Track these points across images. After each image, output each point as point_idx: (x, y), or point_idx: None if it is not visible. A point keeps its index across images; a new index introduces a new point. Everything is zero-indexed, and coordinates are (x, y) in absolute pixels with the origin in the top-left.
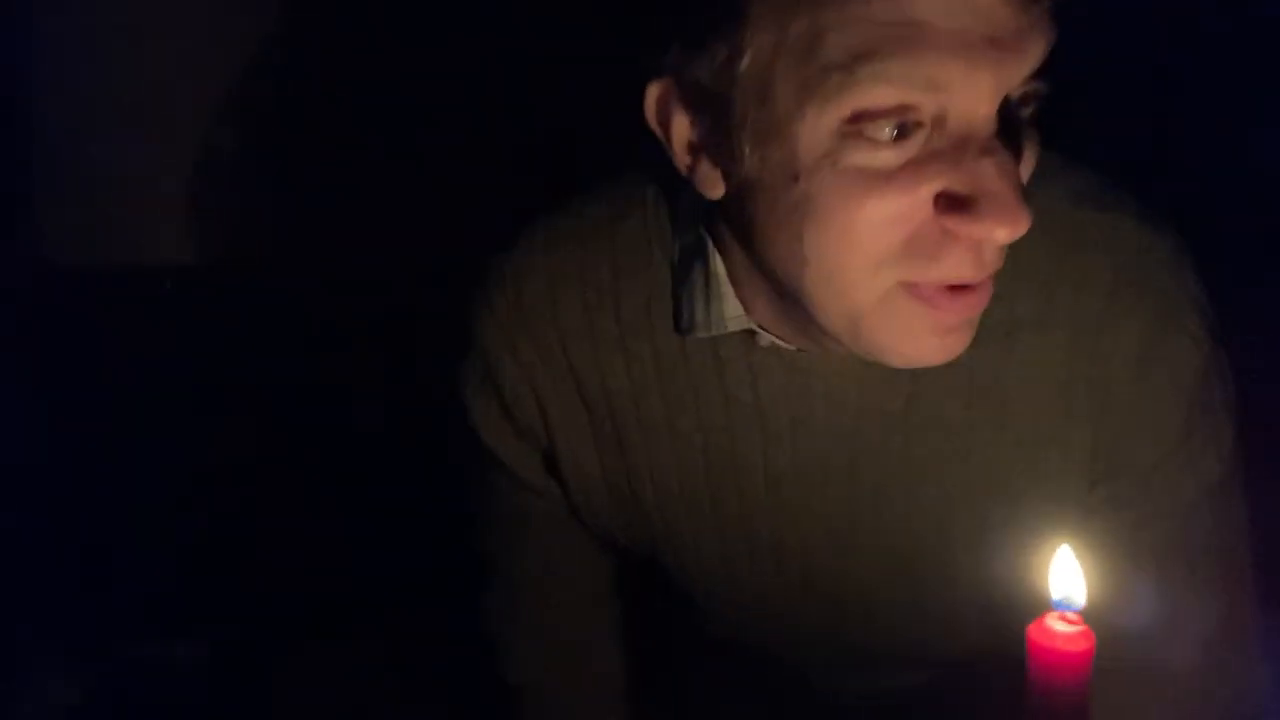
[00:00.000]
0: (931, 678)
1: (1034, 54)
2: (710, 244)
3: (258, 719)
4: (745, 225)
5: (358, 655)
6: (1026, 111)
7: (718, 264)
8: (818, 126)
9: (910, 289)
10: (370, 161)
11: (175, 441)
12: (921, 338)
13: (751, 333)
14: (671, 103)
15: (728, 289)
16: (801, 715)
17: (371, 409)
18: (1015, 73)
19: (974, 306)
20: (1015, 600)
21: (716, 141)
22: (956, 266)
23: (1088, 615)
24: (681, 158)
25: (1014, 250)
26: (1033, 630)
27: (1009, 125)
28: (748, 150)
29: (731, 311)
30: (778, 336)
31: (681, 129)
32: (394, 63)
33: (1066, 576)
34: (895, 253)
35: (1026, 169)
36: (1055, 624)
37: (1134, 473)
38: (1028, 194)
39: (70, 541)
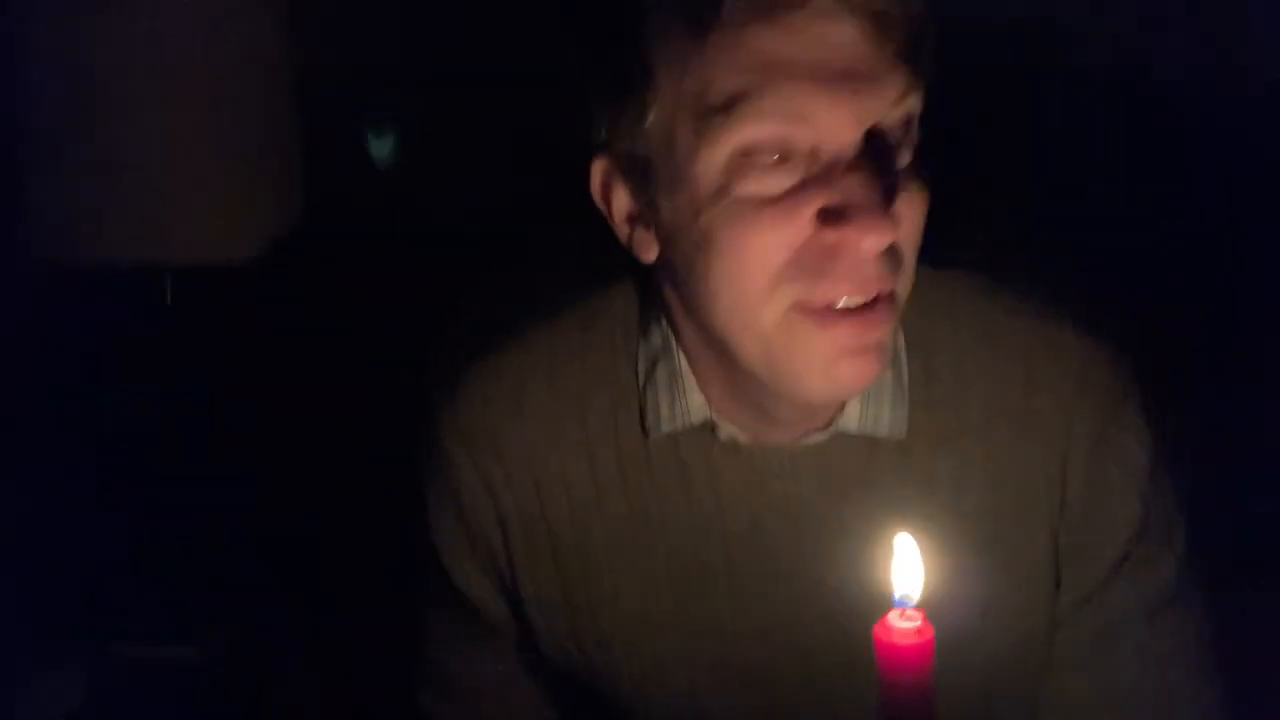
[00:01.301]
0: None
1: (892, 85)
2: (674, 342)
3: (257, 719)
4: (676, 280)
5: (357, 655)
6: (905, 140)
7: (682, 361)
8: (710, 164)
9: (804, 311)
10: (371, 161)
11: (175, 441)
12: (828, 364)
13: (713, 429)
14: (611, 179)
15: (691, 382)
16: None
17: (371, 408)
18: (874, 102)
19: (869, 326)
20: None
21: (644, 204)
22: (840, 281)
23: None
24: (621, 228)
25: (960, 357)
26: (878, 629)
27: (885, 151)
28: (662, 200)
29: (695, 403)
30: (737, 428)
31: (620, 201)
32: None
33: (905, 572)
34: (785, 272)
35: (910, 192)
36: (898, 621)
37: (1097, 573)
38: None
39: (70, 541)
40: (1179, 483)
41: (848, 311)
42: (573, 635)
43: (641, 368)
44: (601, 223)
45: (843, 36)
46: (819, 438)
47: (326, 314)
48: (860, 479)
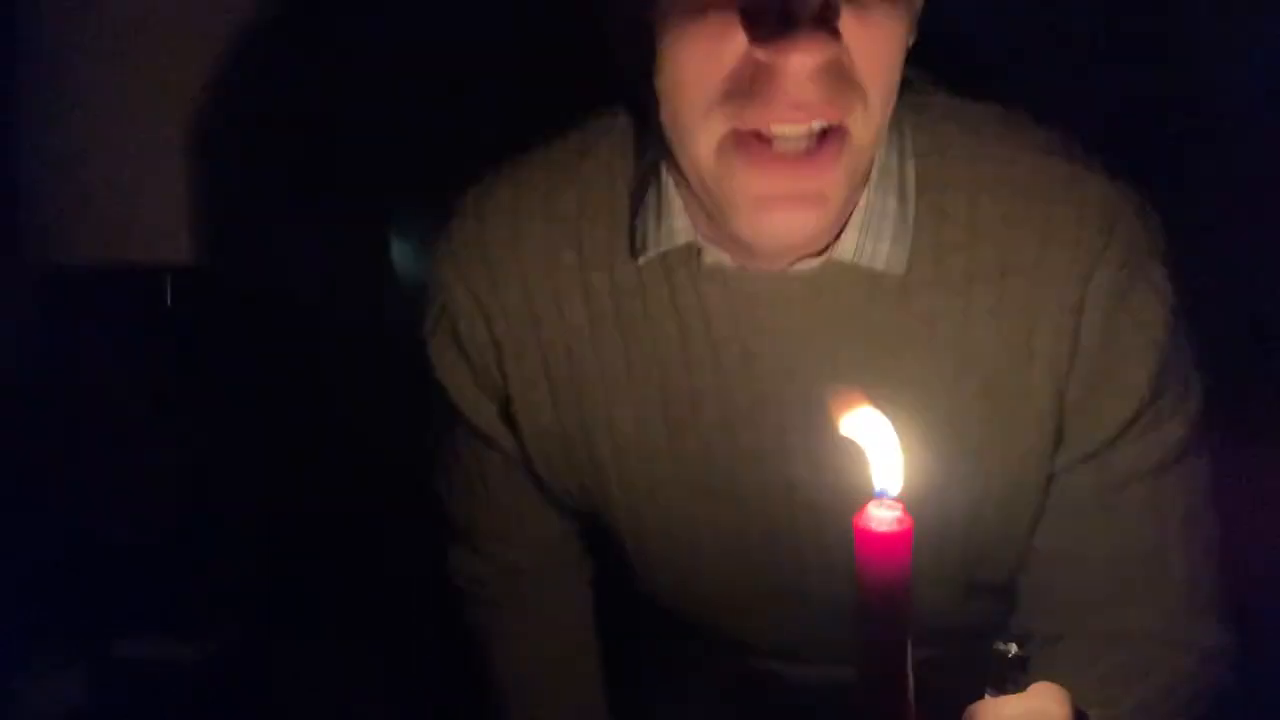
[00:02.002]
0: None
1: None
2: (663, 165)
3: (257, 719)
4: (642, 96)
5: (356, 655)
6: None
7: (668, 182)
8: None
9: (741, 145)
10: (370, 161)
11: (175, 441)
12: (758, 207)
13: (699, 253)
14: None
15: (677, 204)
16: (754, 710)
17: (371, 408)
18: None
19: (807, 169)
20: (983, 556)
21: (618, 8)
22: (772, 104)
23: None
24: (611, 42)
25: (975, 198)
26: (857, 519)
27: None
28: (626, 7)
29: (680, 225)
30: (722, 252)
31: (611, 10)
32: (388, 54)
33: (885, 465)
34: (719, 91)
35: (867, 6)
36: (877, 510)
37: (1105, 432)
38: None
39: (71, 541)
40: (1194, 347)
41: (786, 156)
42: (568, 463)
43: (633, 186)
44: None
45: None
46: (809, 265)
47: (327, 312)
48: (855, 312)
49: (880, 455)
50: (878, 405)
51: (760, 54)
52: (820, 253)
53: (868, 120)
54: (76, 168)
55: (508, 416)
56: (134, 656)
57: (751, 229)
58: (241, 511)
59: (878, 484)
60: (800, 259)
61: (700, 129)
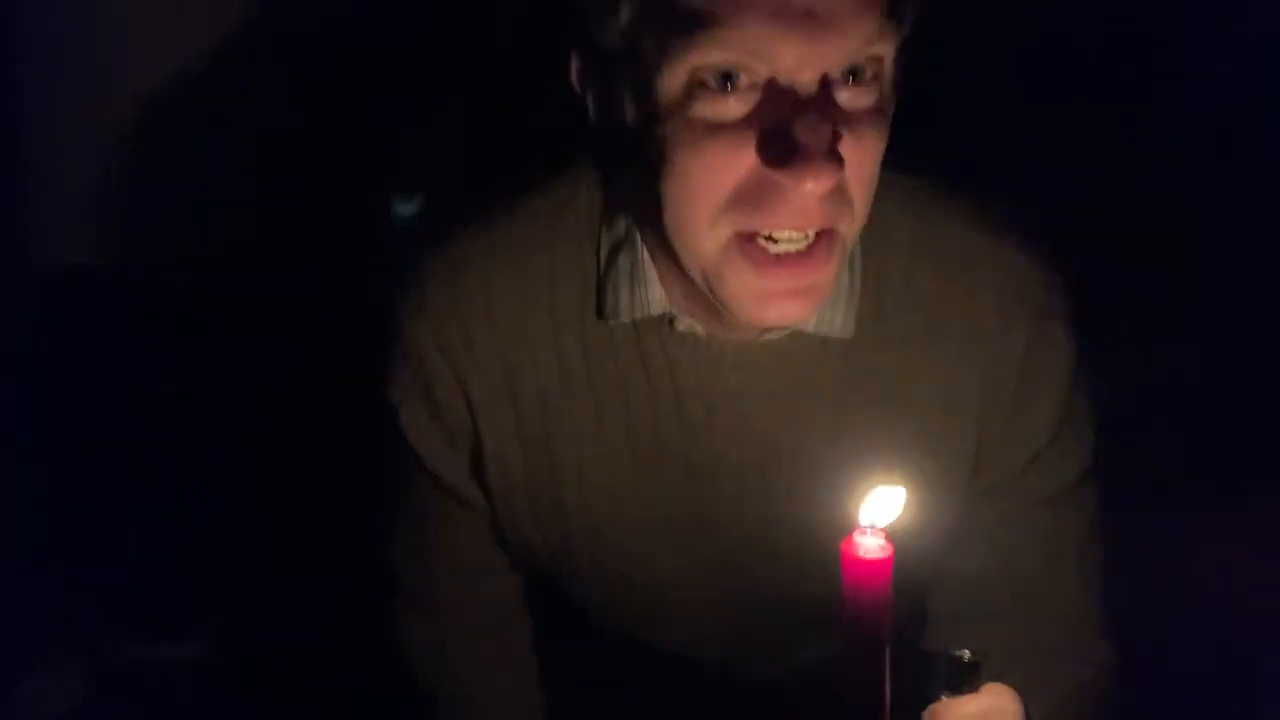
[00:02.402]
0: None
1: (856, 31)
2: (638, 234)
3: (257, 719)
4: (637, 179)
5: (356, 656)
6: (869, 82)
7: (643, 252)
8: (671, 80)
9: (744, 247)
10: (371, 166)
11: (174, 441)
12: (760, 300)
13: (671, 321)
14: (588, 70)
15: (652, 274)
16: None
17: (374, 406)
18: (833, 47)
19: (805, 269)
20: (908, 581)
21: (614, 103)
22: (777, 214)
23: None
24: (596, 119)
25: (909, 267)
26: (845, 544)
27: (850, 92)
28: (627, 102)
29: (654, 295)
30: (695, 321)
31: (594, 92)
32: (373, 69)
33: (878, 508)
34: (727, 199)
35: (862, 134)
36: (862, 538)
37: (1013, 465)
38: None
39: (70, 541)
40: (1092, 394)
41: (784, 257)
42: (534, 513)
43: (603, 254)
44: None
45: None
46: (776, 335)
47: (326, 313)
48: (809, 375)
49: (881, 505)
50: (823, 452)
51: (775, 175)
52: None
53: (854, 223)
54: (77, 168)
55: (478, 471)
56: (134, 656)
57: (753, 317)
58: (241, 511)
59: (864, 517)
60: (765, 331)
61: (706, 232)
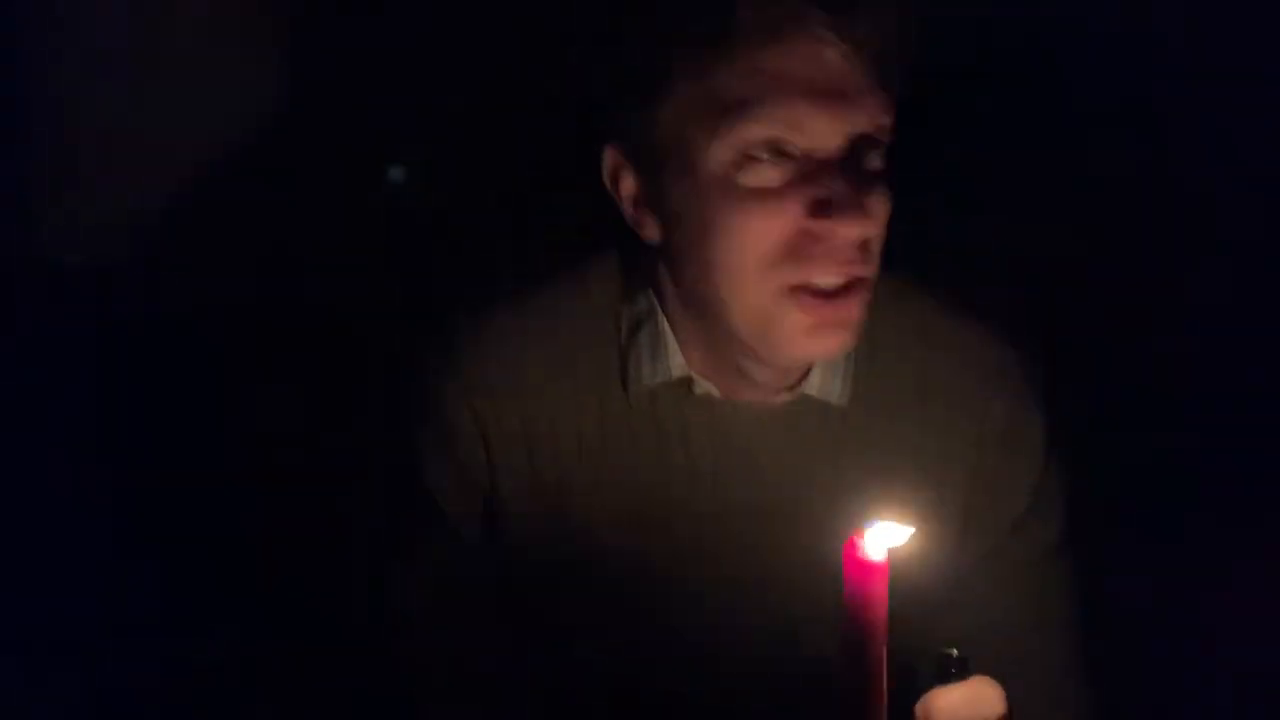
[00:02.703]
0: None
1: (871, 102)
2: (658, 307)
3: (257, 719)
4: (674, 256)
5: (353, 656)
6: (878, 148)
7: (664, 324)
8: (717, 158)
9: (793, 294)
10: (368, 168)
11: (175, 442)
12: (808, 336)
13: (689, 385)
14: (621, 166)
15: (673, 343)
16: None
17: (374, 407)
18: (856, 116)
19: (844, 307)
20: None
21: (652, 189)
22: (823, 264)
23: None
24: (628, 210)
25: (901, 350)
26: (846, 546)
27: (863, 156)
28: (669, 185)
29: (676, 362)
30: (712, 385)
31: (628, 186)
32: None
33: (886, 536)
34: (777, 256)
35: (880, 191)
36: (865, 546)
37: (999, 528)
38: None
39: (72, 541)
40: (1063, 466)
41: (827, 295)
42: (544, 565)
43: (624, 329)
44: (597, 205)
45: (832, 58)
46: (785, 398)
47: (326, 313)
48: (811, 437)
49: (887, 535)
50: (823, 511)
51: (817, 226)
52: (793, 387)
53: (874, 270)
54: (77, 168)
55: (491, 525)
56: (135, 656)
57: (802, 351)
58: (242, 511)
59: (873, 536)
60: (778, 392)
61: (758, 284)
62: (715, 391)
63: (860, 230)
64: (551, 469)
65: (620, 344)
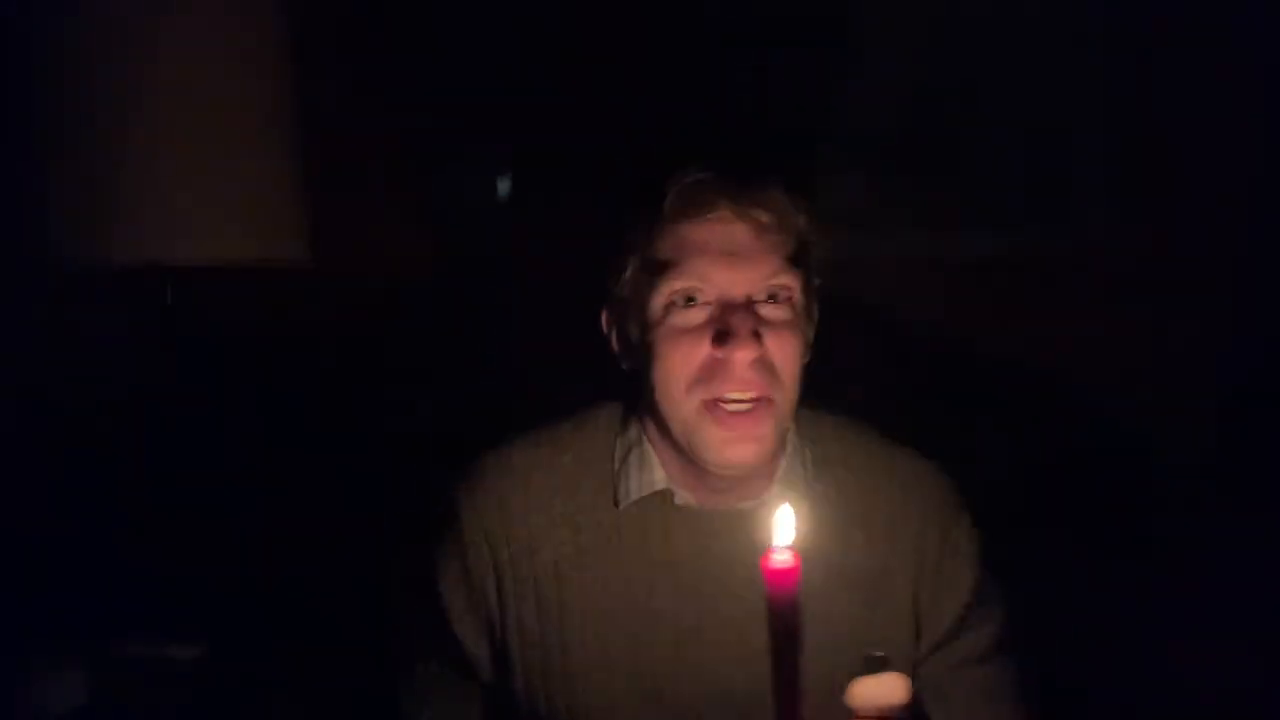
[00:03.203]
0: None
1: (767, 266)
2: (645, 434)
3: (257, 719)
4: (641, 383)
5: (355, 656)
6: (782, 301)
7: (649, 446)
8: (654, 303)
9: (710, 409)
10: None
11: (175, 442)
12: (723, 445)
13: (671, 497)
14: (610, 320)
15: (655, 460)
16: None
17: (373, 408)
18: (753, 275)
19: (751, 423)
20: None
21: (623, 333)
22: (728, 382)
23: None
24: (616, 350)
25: (846, 473)
26: (763, 560)
27: (766, 306)
28: (630, 327)
29: (658, 476)
30: (689, 494)
31: (615, 332)
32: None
33: (783, 529)
34: (694, 378)
35: (779, 330)
36: (776, 554)
37: (942, 627)
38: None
39: (70, 542)
40: (992, 574)
41: (736, 415)
42: (542, 671)
43: (618, 456)
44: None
45: (735, 233)
46: (750, 503)
47: (326, 313)
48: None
49: (783, 527)
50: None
51: (719, 353)
52: (756, 496)
53: (783, 395)
54: (80, 170)
55: (491, 628)
56: (134, 656)
57: (719, 458)
58: (242, 511)
59: (779, 539)
60: (743, 498)
61: (684, 400)
62: (692, 500)
63: (752, 353)
64: (549, 576)
65: (614, 468)
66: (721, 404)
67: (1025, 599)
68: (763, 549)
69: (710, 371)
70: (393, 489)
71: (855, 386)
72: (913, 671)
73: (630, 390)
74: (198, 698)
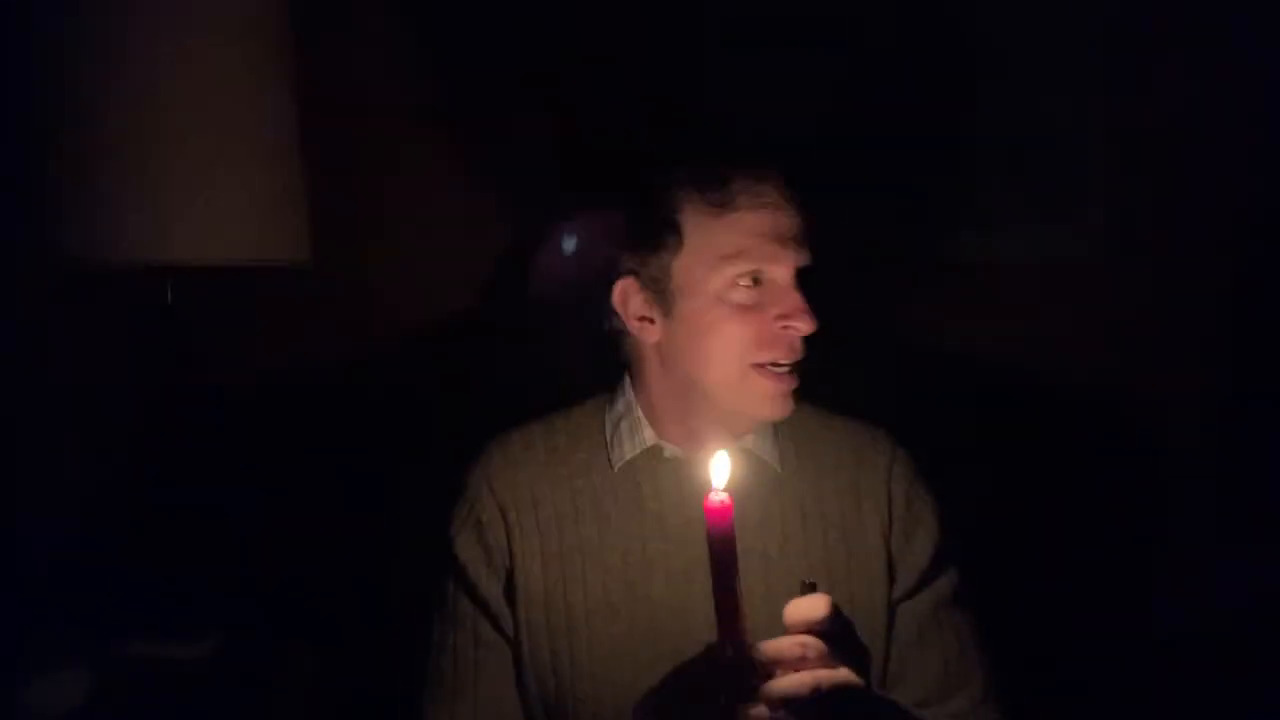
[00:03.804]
0: None
1: (806, 247)
2: (636, 403)
3: (257, 719)
4: (673, 352)
5: (354, 657)
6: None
7: (639, 412)
8: (717, 284)
9: (759, 371)
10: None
11: (175, 441)
12: (770, 399)
13: (660, 452)
14: (630, 292)
15: (644, 423)
16: None
17: (373, 409)
18: (801, 256)
19: (792, 380)
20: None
21: (658, 306)
22: (779, 349)
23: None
24: (632, 323)
25: (812, 434)
26: (705, 500)
27: (803, 284)
28: (680, 304)
29: (648, 434)
30: (677, 449)
31: (635, 306)
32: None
33: (719, 473)
34: (749, 347)
35: (811, 309)
36: (713, 495)
37: (913, 572)
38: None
39: (70, 542)
40: (949, 532)
41: (781, 374)
42: (548, 628)
43: (609, 428)
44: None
45: (789, 219)
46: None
47: (326, 313)
48: (757, 491)
49: (719, 471)
50: (776, 554)
51: (780, 328)
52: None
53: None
54: (80, 170)
55: (509, 590)
56: (134, 656)
57: (769, 411)
58: (242, 511)
59: (716, 481)
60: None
61: (736, 364)
62: (680, 453)
63: (809, 329)
64: (553, 532)
65: (606, 438)
66: (772, 366)
67: (1025, 599)
68: (704, 491)
69: (769, 341)
70: (393, 489)
71: (855, 386)
72: (885, 610)
73: (615, 373)
74: (198, 698)
